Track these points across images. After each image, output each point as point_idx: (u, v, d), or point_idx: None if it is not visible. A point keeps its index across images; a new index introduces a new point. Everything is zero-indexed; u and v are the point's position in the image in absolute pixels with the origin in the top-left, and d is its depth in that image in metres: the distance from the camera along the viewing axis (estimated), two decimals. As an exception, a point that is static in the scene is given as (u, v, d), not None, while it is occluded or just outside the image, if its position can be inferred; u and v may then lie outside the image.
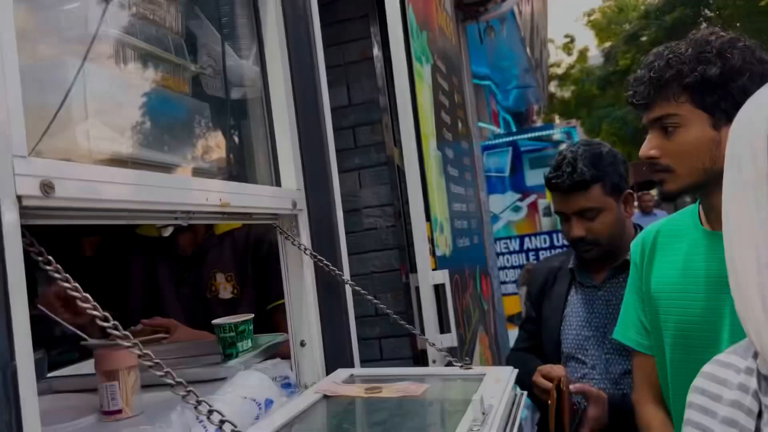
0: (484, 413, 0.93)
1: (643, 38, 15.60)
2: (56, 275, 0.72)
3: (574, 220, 1.68)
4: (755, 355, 0.70)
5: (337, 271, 1.35)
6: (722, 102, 1.13)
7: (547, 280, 1.85)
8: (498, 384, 1.12)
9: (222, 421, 0.68)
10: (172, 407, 0.95)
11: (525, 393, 1.21)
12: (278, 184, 1.40)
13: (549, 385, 1.55)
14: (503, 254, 6.28)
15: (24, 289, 0.67)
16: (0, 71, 0.67)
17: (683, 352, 1.23)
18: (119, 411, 1.04)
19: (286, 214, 1.36)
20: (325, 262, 1.35)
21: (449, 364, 1.29)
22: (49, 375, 1.33)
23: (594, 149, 1.70)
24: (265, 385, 1.07)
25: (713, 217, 1.21)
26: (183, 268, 1.87)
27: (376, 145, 2.51)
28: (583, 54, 23.88)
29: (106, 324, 0.71)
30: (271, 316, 1.74)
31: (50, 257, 0.73)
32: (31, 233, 0.73)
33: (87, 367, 1.41)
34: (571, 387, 1.55)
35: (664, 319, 1.28)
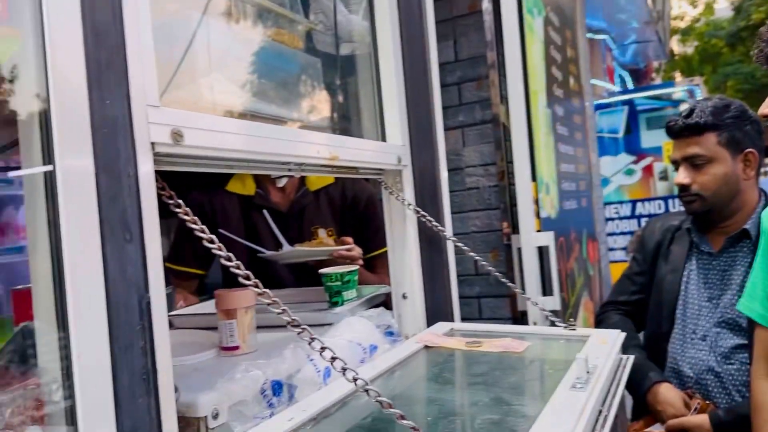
0: (588, 372, 0.92)
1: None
2: (185, 218, 0.78)
3: (682, 167, 1.64)
4: None
5: (439, 227, 1.36)
6: None
7: (665, 238, 1.78)
8: (603, 346, 1.10)
9: (333, 358, 0.72)
10: (284, 346, 1.01)
11: (631, 357, 1.18)
12: (384, 139, 1.42)
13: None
14: (612, 220, 6.01)
15: (157, 228, 0.74)
16: (135, 26, 0.73)
17: None
18: (237, 347, 1.12)
19: (390, 169, 1.38)
20: (428, 217, 1.36)
21: (552, 324, 1.27)
22: (173, 313, 1.46)
23: (723, 101, 1.64)
24: (370, 331, 1.11)
25: None
26: (281, 224, 1.93)
27: (481, 102, 2.46)
28: (709, 6, 21.84)
29: (230, 264, 0.77)
30: (371, 265, 1.82)
31: (180, 201, 0.79)
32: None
33: (206, 307, 1.53)
34: (670, 423, 1.52)
35: None
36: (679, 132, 1.63)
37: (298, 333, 0.72)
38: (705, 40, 19.63)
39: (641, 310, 1.81)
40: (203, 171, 0.87)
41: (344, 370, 0.70)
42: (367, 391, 0.69)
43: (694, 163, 1.60)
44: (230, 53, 0.98)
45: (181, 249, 1.96)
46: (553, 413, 0.79)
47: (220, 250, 0.76)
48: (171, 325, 1.45)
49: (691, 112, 1.61)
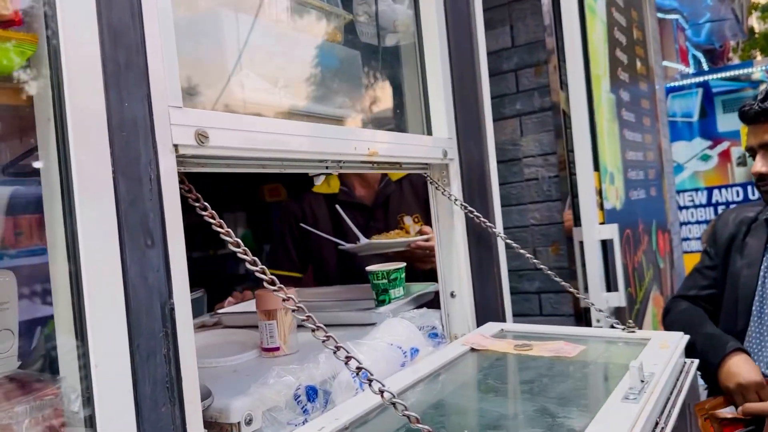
0: (642, 381, 0.85)
1: None
2: (211, 221, 0.76)
3: (759, 155, 1.52)
4: None
5: (487, 223, 1.30)
6: None
7: (739, 230, 1.65)
8: (663, 350, 1.01)
9: (359, 368, 0.68)
10: (323, 349, 0.98)
11: (695, 362, 1.09)
12: (429, 132, 1.37)
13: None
14: (687, 208, 5.71)
15: (181, 232, 0.72)
16: (155, 24, 0.71)
17: None
18: (277, 348, 1.10)
19: (436, 163, 1.33)
20: (476, 213, 1.30)
21: (611, 325, 1.19)
22: (223, 311, 1.46)
23: None
24: (411, 333, 1.07)
25: None
26: (367, 217, 1.95)
27: (540, 89, 2.36)
28: (797, -23, 20.39)
29: (254, 268, 0.74)
30: None
31: (206, 204, 0.77)
32: (192, 179, 0.78)
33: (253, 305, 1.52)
34: (748, 406, 1.38)
35: None
36: (755, 117, 1.50)
37: (323, 341, 0.69)
38: (789, 15, 18.35)
39: (713, 306, 1.68)
40: (233, 171, 0.84)
41: (370, 381, 0.66)
42: (394, 404, 0.65)
43: None
44: (263, 49, 0.96)
45: (276, 254, 2.04)
46: (600, 428, 0.73)
47: (245, 254, 0.74)
48: (219, 323, 1.46)
49: (766, 95, 1.48)
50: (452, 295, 1.38)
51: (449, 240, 1.37)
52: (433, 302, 1.49)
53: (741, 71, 5.63)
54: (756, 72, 5.62)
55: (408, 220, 1.94)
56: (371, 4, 1.34)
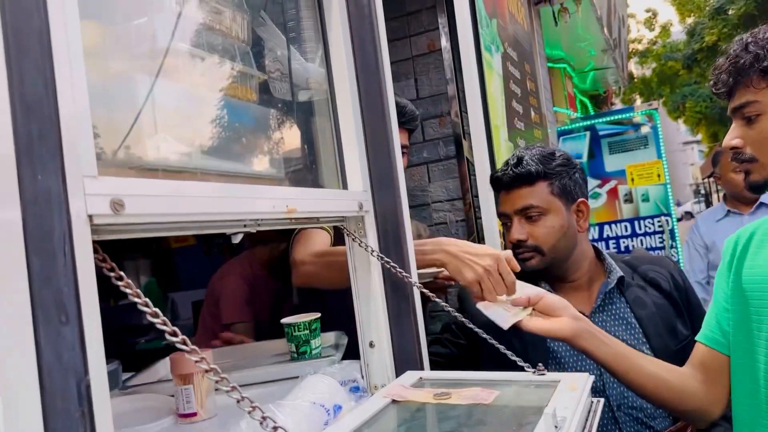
0: (556, 427, 0.89)
1: (731, 12, 14.62)
2: (128, 291, 0.74)
3: (515, 221, 1.54)
4: None
5: (404, 273, 1.34)
6: None
7: None
8: (573, 392, 1.08)
9: (275, 428, 0.68)
10: (243, 413, 0.96)
11: (602, 400, 1.16)
12: (345, 186, 1.40)
13: None
14: (581, 243, 6.06)
15: (96, 305, 0.69)
16: (69, 95, 0.69)
17: None
18: (194, 414, 1.07)
19: (352, 216, 1.36)
20: (392, 263, 1.34)
21: (521, 369, 1.25)
22: (131, 383, 1.39)
23: (547, 149, 1.58)
24: (333, 390, 1.07)
25: None
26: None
27: (444, 139, 2.47)
28: (665, 29, 22.68)
29: (174, 339, 0.73)
30: None
31: (121, 273, 0.75)
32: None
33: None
34: None
35: (757, 316, 1.20)
36: (510, 183, 1.54)
37: (237, 402, 0.69)
38: (662, 62, 20.25)
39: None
40: (151, 236, 0.83)
41: (299, 449, 0.67)
42: (324, 471, 0.65)
43: (528, 215, 1.52)
44: (179, 113, 0.95)
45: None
46: (521, 477, 0.76)
47: (165, 324, 0.72)
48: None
49: (519, 160, 1.54)
50: (371, 345, 1.39)
51: (367, 290, 1.40)
52: (347, 352, 1.50)
53: (623, 116, 6.14)
54: (636, 116, 6.16)
55: None
56: (284, 62, 1.36)
